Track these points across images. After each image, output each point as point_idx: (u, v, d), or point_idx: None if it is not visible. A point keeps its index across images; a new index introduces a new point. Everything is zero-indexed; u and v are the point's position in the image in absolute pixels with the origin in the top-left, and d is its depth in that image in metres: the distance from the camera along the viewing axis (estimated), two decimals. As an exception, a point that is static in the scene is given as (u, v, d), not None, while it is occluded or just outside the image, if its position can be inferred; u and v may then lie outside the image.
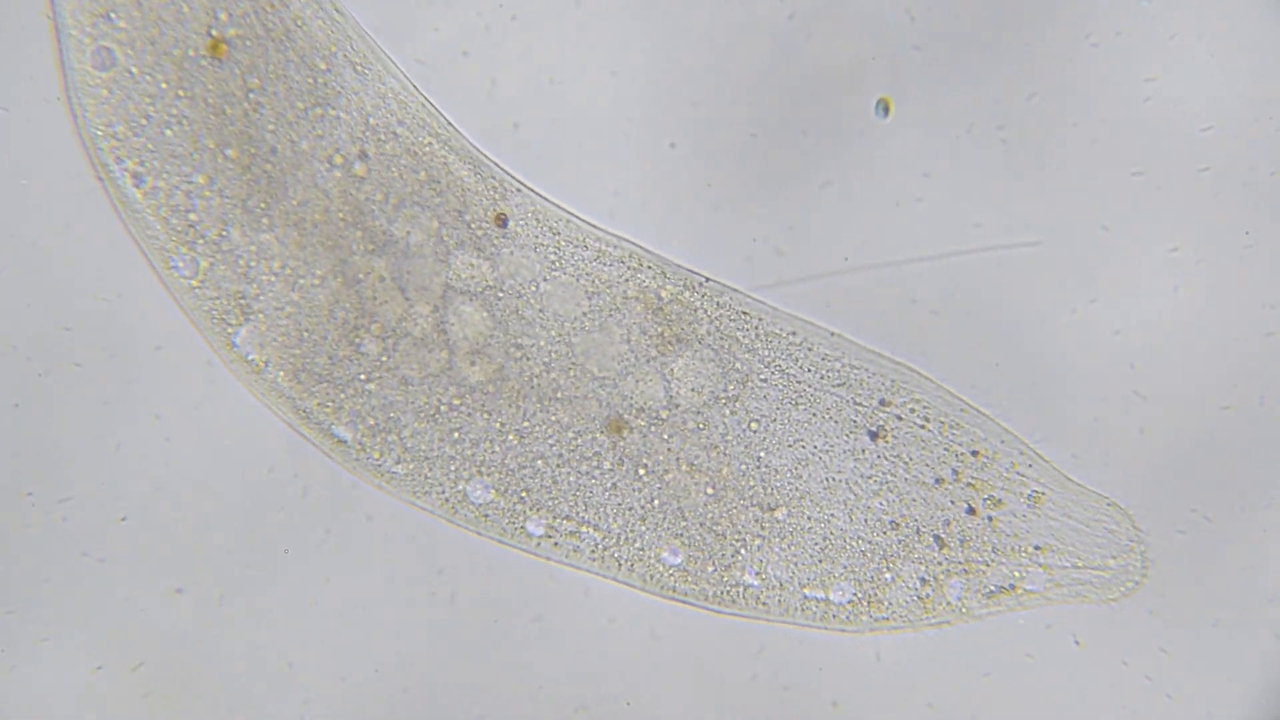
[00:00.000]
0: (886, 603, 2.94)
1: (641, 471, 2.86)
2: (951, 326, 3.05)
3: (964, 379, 3.04)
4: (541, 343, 2.82)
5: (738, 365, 2.89)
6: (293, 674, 3.03)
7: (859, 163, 3.05)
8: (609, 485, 2.88)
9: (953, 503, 2.94)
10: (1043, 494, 2.97)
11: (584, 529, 2.88)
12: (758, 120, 3.06)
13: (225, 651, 3.03)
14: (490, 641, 3.05)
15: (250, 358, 2.76)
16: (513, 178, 2.91)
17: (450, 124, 2.92)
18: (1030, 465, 2.98)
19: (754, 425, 2.90)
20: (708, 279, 2.85)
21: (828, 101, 3.06)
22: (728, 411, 2.90)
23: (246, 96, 2.76)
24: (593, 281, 2.89)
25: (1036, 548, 2.98)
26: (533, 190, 2.94)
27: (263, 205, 2.70)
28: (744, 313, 2.93)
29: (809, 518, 2.94)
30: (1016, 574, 2.97)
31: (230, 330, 2.79)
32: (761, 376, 2.92)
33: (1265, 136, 3.07)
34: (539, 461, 2.85)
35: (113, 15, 2.77)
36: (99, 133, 2.81)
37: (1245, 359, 3.07)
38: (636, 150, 3.03)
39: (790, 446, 2.92)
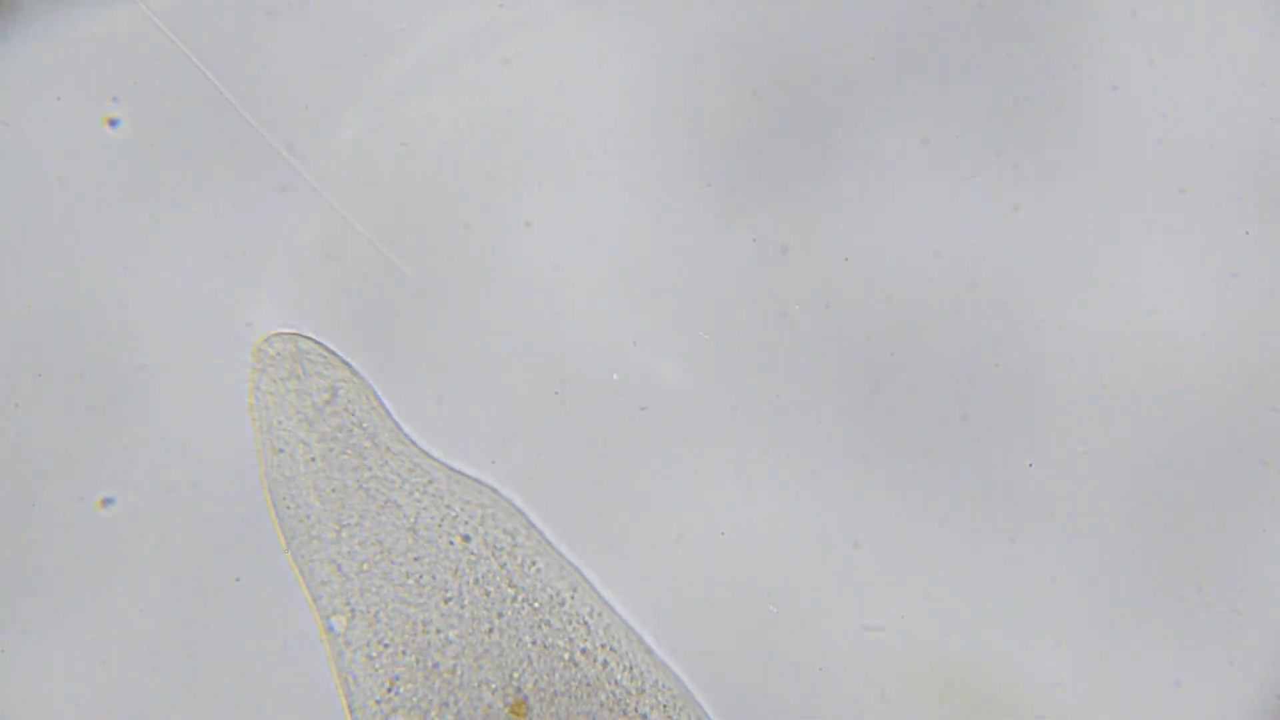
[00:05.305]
0: None
1: None
2: (951, 326, 3.05)
3: (964, 379, 3.04)
4: None
5: None
6: (292, 673, 3.03)
7: (860, 163, 3.06)
8: None
9: None
10: None
11: None
12: (758, 121, 3.07)
13: (225, 651, 3.03)
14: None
15: None
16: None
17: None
18: None
19: None
20: None
21: (828, 102, 3.07)
22: None
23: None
24: None
25: None
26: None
27: None
28: None
29: None
30: None
31: None
32: None
33: (1267, 137, 3.08)
34: None
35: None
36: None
37: (1246, 360, 3.07)
38: (637, 151, 3.04)
39: None
